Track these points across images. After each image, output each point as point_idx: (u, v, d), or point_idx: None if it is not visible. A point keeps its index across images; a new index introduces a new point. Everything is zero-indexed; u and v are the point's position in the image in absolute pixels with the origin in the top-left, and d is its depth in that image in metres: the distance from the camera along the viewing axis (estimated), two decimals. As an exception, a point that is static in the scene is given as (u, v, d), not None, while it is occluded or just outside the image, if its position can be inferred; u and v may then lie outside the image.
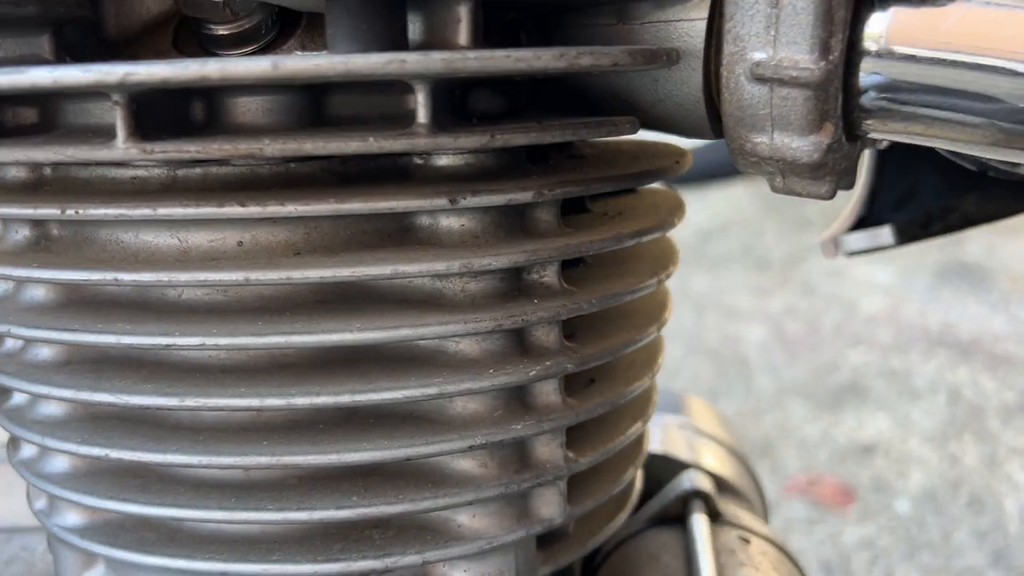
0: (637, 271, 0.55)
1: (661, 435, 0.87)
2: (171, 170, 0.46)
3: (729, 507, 0.74)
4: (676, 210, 0.58)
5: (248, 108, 0.44)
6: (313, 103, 0.45)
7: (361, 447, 0.47)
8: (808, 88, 0.41)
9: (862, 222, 0.68)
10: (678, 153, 0.55)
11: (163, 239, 0.47)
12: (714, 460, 0.85)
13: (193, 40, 0.50)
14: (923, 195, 0.66)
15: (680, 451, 0.84)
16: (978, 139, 0.43)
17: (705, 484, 0.74)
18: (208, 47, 0.49)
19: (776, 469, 2.57)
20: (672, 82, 0.46)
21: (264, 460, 0.47)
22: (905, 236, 0.66)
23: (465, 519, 0.52)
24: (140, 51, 0.51)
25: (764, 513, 0.88)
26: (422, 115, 0.40)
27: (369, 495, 0.49)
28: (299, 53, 0.47)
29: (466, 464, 0.51)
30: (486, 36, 0.46)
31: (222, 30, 0.48)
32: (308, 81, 0.38)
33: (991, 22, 0.41)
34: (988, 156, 0.44)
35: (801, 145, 0.43)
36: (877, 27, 0.42)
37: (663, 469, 0.81)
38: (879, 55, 0.43)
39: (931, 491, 2.43)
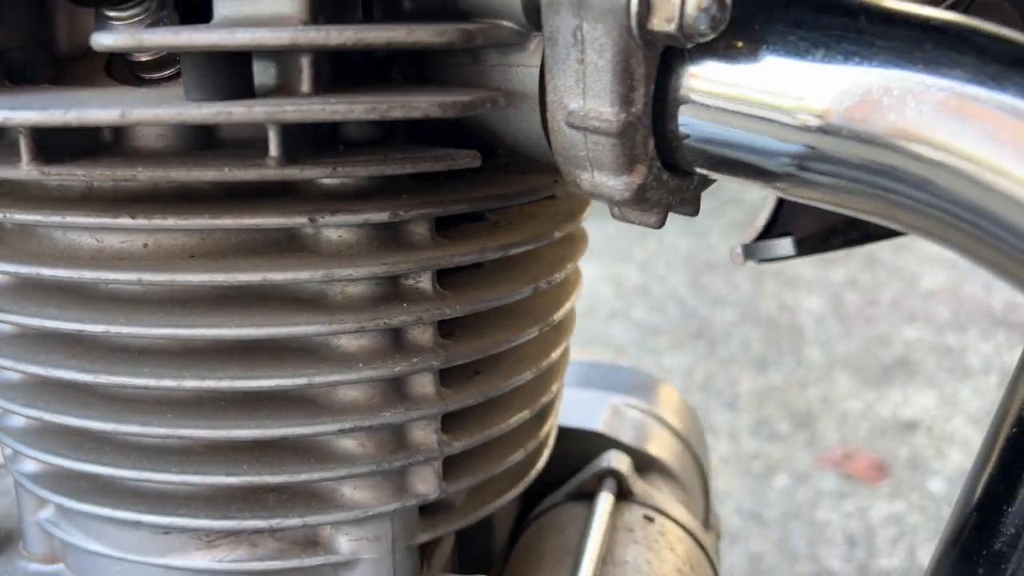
0: (521, 276, 0.61)
1: (608, 415, 0.92)
2: (88, 181, 0.53)
3: (643, 488, 0.80)
4: (567, 222, 0.63)
5: (146, 133, 0.51)
6: (205, 129, 0.52)
7: (245, 425, 0.55)
8: (612, 137, 0.46)
9: (769, 231, 0.72)
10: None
11: (84, 239, 0.54)
12: (657, 446, 0.90)
13: (124, 65, 0.57)
14: (826, 209, 0.70)
15: (621, 433, 0.89)
16: (776, 186, 0.47)
17: (622, 464, 0.80)
18: (135, 71, 0.57)
19: (813, 441, 2.59)
20: (519, 120, 0.51)
21: (164, 431, 0.55)
22: (805, 248, 0.70)
23: (348, 490, 0.59)
24: (80, 71, 0.58)
25: (704, 506, 0.93)
26: (272, 149, 0.47)
27: (258, 466, 0.57)
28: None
29: (347, 443, 0.58)
30: (360, 72, 0.53)
31: (144, 57, 0.55)
32: (151, 125, 0.45)
33: (781, 75, 0.45)
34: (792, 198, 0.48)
35: (615, 184, 0.48)
36: (688, 77, 0.47)
37: (599, 447, 0.87)
38: (691, 103, 0.47)
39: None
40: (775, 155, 0.46)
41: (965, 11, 0.57)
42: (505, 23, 0.48)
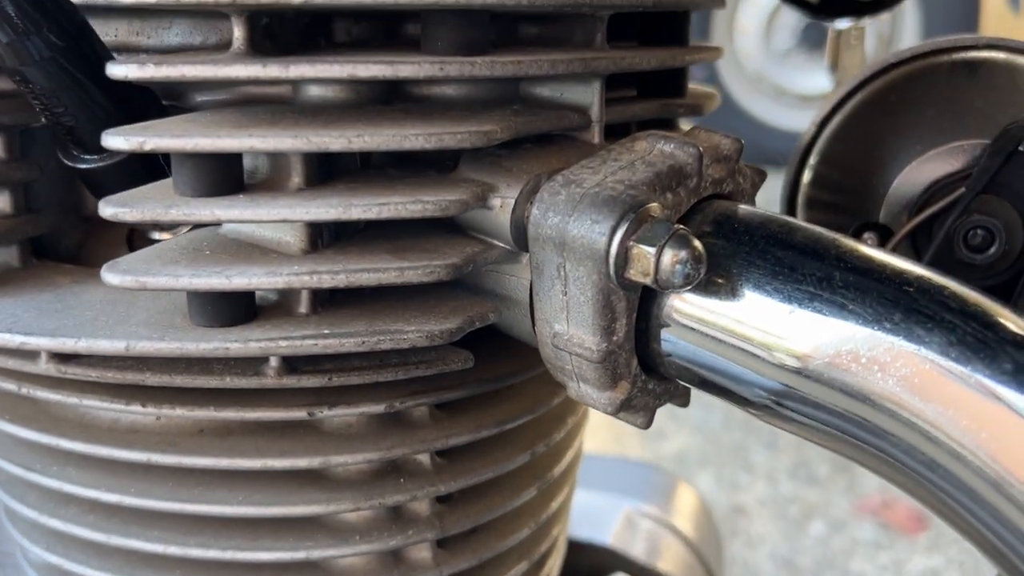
0: (519, 441, 0.63)
1: (620, 527, 0.94)
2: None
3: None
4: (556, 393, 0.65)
5: (158, 322, 0.54)
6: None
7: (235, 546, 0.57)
8: (594, 362, 0.48)
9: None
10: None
11: (101, 412, 0.58)
12: (669, 561, 0.91)
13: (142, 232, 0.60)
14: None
15: (632, 547, 0.90)
16: (753, 413, 0.49)
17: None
18: (151, 237, 0.59)
19: (852, 487, 2.57)
20: (511, 319, 0.53)
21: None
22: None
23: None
24: (106, 235, 0.62)
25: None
26: (272, 360, 0.49)
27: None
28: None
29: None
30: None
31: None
32: (154, 356, 0.48)
33: (758, 314, 0.46)
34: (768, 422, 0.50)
35: (600, 398, 0.50)
36: (669, 305, 0.48)
37: (608, 563, 0.88)
38: (673, 325, 0.49)
39: (1010, 528, 2.37)
40: (752, 386, 0.47)
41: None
42: (497, 243, 0.50)
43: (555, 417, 0.67)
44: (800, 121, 4.66)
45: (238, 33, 0.44)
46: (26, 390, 0.56)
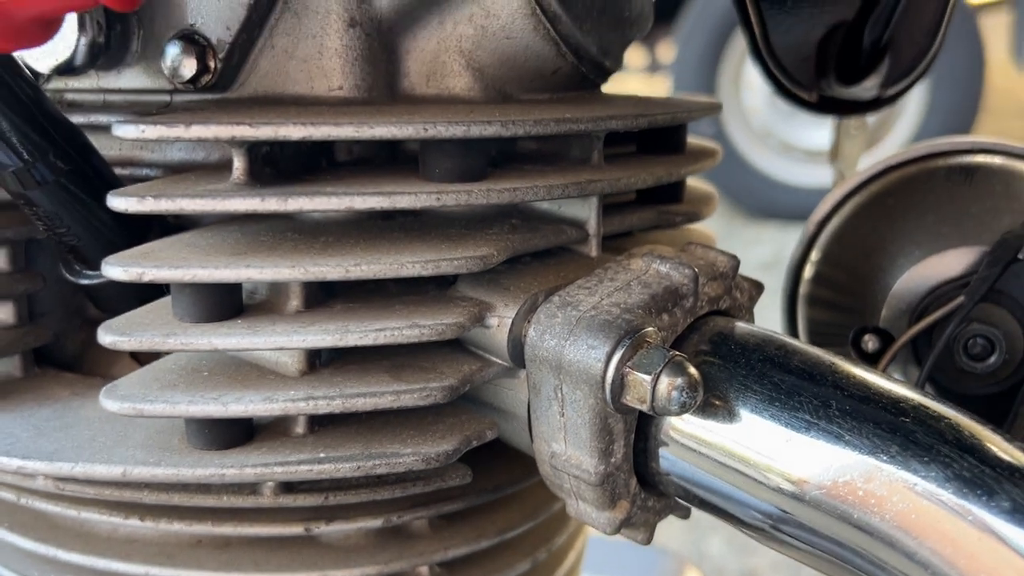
0: (518, 548, 0.62)
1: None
2: (105, 468, 0.56)
3: None
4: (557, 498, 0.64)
5: (157, 434, 0.54)
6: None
7: None
8: (592, 484, 0.48)
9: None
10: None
11: (99, 520, 0.57)
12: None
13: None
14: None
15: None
16: (750, 535, 0.48)
17: None
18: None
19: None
20: (513, 432, 0.53)
21: None
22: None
23: None
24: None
25: None
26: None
27: None
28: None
29: None
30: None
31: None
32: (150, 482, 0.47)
33: (755, 438, 0.46)
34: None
35: (599, 518, 0.49)
36: (668, 425, 0.48)
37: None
38: (672, 444, 0.48)
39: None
40: (749, 509, 0.47)
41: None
42: (495, 360, 0.50)
43: (557, 520, 0.66)
44: (806, 176, 4.68)
45: (238, 163, 0.45)
46: (25, 501, 0.56)
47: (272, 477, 0.46)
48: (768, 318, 0.58)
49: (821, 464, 0.44)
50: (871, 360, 0.64)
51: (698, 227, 0.70)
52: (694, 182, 0.68)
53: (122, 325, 0.46)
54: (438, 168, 0.47)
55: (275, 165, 0.47)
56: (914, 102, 4.40)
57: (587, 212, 0.53)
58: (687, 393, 0.44)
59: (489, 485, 0.58)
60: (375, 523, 0.54)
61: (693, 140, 0.70)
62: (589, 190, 0.49)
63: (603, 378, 0.45)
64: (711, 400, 0.47)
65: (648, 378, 0.44)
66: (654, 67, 6.01)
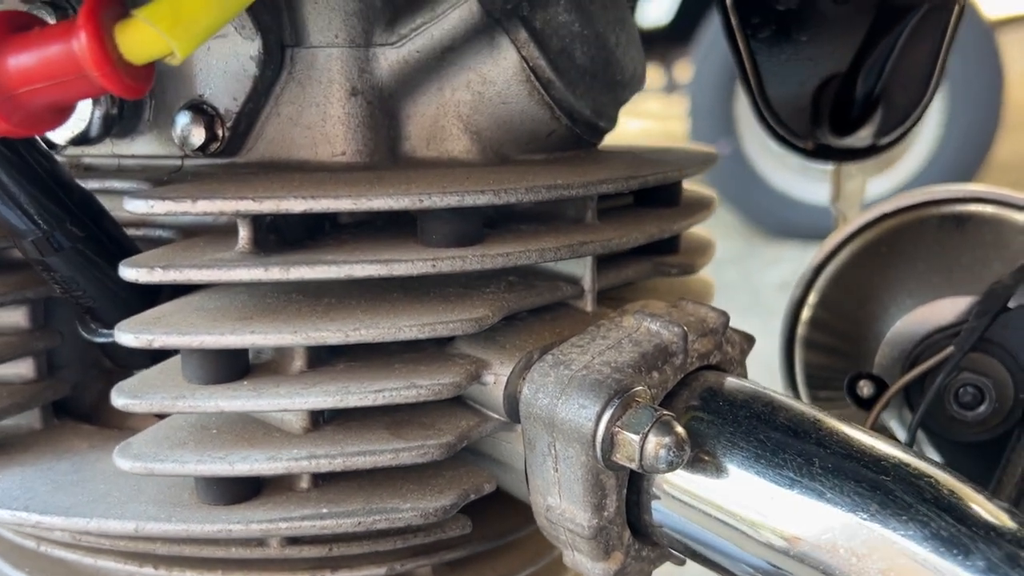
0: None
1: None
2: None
3: None
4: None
5: (170, 485, 0.56)
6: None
7: None
8: (586, 538, 0.49)
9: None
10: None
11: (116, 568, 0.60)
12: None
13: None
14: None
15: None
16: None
17: None
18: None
19: None
20: (512, 483, 0.55)
21: None
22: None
23: None
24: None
25: None
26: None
27: None
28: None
29: None
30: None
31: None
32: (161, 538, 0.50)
33: (743, 492, 0.47)
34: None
35: (593, 568, 0.51)
36: (660, 479, 0.50)
37: None
38: (664, 498, 0.50)
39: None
40: (740, 562, 0.48)
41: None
42: (492, 415, 0.52)
43: (557, 566, 0.67)
44: (826, 195, 4.67)
45: (243, 233, 0.47)
46: (45, 548, 0.58)
47: (277, 533, 0.48)
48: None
49: (805, 521, 0.45)
50: (866, 405, 0.65)
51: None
52: (697, 228, 0.70)
53: (134, 387, 0.48)
54: (435, 234, 0.49)
55: (279, 232, 0.49)
56: (933, 119, 4.39)
57: (582, 269, 0.55)
58: (674, 452, 0.45)
59: (491, 533, 0.59)
60: (379, 571, 0.55)
61: (691, 188, 0.72)
62: (581, 252, 0.51)
63: (593, 437, 0.46)
64: (700, 455, 0.49)
65: (636, 438, 0.45)
66: (671, 87, 6.03)
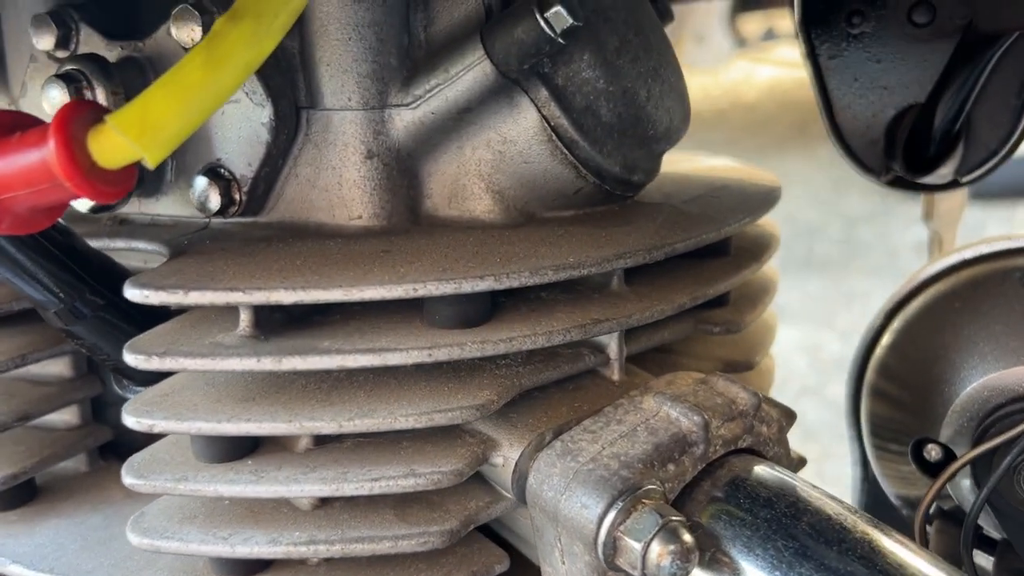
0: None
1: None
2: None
3: None
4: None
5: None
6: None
7: None
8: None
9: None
10: None
11: None
12: None
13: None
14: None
15: None
16: None
17: None
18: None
19: None
20: (534, 555, 0.53)
21: None
22: None
23: None
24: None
25: None
26: None
27: None
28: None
29: None
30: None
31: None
32: None
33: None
34: None
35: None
36: (676, 572, 0.47)
37: None
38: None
39: None
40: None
41: None
42: (505, 494, 0.50)
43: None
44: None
45: (243, 317, 0.46)
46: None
47: (280, 601, 0.48)
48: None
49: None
50: (931, 471, 0.60)
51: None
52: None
53: (142, 465, 0.48)
54: (438, 315, 0.47)
55: (286, 311, 0.48)
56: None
57: (608, 337, 0.52)
58: (678, 564, 0.42)
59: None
60: (399, 632, 0.55)
61: (765, 222, 0.67)
62: (594, 332, 0.48)
63: (595, 541, 0.44)
64: (718, 556, 0.46)
65: (639, 546, 0.43)
66: (770, 36, 5.79)
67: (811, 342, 3.54)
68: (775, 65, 6.63)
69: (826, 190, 5.01)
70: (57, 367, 0.59)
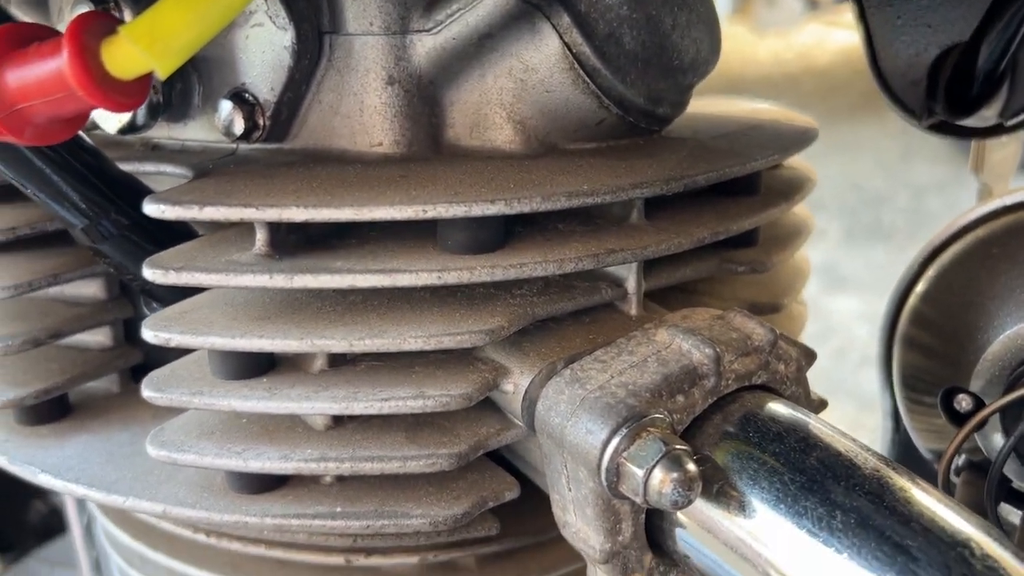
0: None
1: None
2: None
3: None
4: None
5: (224, 458, 0.59)
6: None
7: None
8: (599, 562, 0.47)
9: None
10: None
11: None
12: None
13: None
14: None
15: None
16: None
17: None
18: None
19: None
20: (544, 484, 0.53)
21: None
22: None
23: None
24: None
25: None
26: (304, 519, 0.52)
27: None
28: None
29: None
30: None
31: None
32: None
33: (759, 530, 0.44)
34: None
35: (614, 589, 0.49)
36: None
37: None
38: (688, 528, 0.47)
39: None
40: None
41: None
42: (517, 422, 0.50)
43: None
44: None
45: (259, 235, 0.47)
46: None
47: (289, 528, 0.49)
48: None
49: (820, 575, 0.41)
50: (960, 422, 0.59)
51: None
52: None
53: (161, 379, 0.49)
54: (449, 240, 0.47)
55: (303, 232, 0.49)
56: None
57: (627, 270, 0.52)
58: (679, 491, 0.42)
59: (531, 528, 0.58)
60: (411, 560, 0.56)
61: (794, 160, 0.65)
62: (607, 262, 0.47)
63: (599, 466, 0.44)
64: (727, 488, 0.45)
65: (641, 472, 0.42)
66: None
67: (874, 311, 3.47)
68: (849, 29, 6.45)
69: (895, 159, 4.89)
70: (90, 289, 0.61)
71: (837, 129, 5.06)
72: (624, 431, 0.43)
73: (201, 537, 0.58)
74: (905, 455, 0.70)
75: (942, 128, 0.64)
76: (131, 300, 0.62)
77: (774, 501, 0.43)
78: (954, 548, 0.39)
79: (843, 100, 5.86)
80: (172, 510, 0.50)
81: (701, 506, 0.46)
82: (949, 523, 0.40)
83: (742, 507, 0.44)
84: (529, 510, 0.59)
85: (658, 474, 0.42)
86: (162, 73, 0.39)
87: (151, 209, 0.46)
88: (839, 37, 6.81)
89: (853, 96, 5.92)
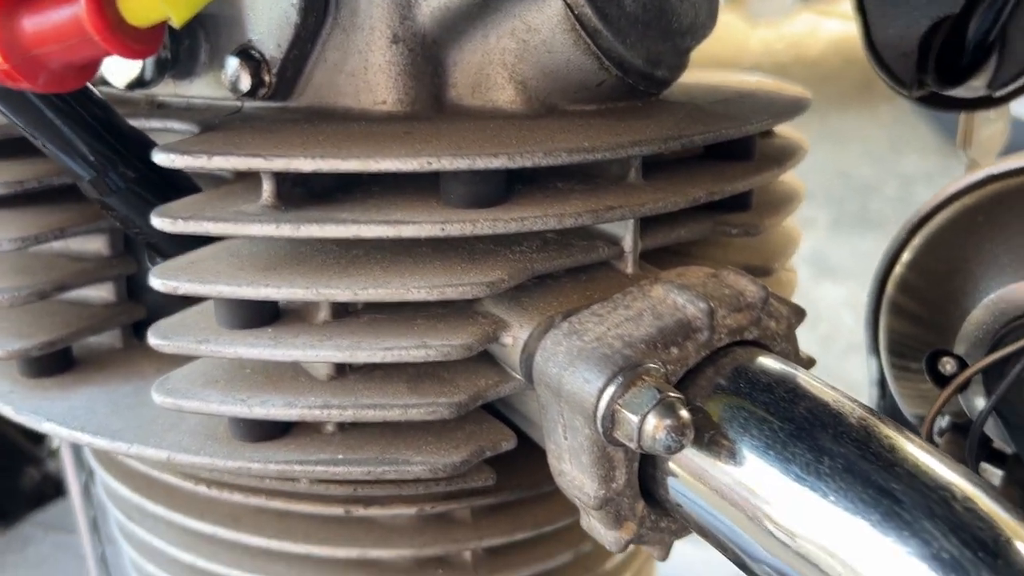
0: (563, 539, 0.64)
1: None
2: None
3: None
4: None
5: (226, 411, 0.60)
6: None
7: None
8: (593, 508, 0.49)
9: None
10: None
11: (186, 475, 0.64)
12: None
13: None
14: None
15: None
16: (745, 568, 0.48)
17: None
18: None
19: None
20: (540, 437, 0.55)
21: None
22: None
23: None
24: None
25: None
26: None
27: None
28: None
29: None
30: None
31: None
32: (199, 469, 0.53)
33: (749, 478, 0.45)
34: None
35: (606, 535, 0.51)
36: (675, 458, 0.48)
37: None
38: (680, 477, 0.49)
39: None
40: (744, 550, 0.47)
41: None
42: (515, 375, 0.52)
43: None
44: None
45: (266, 187, 0.48)
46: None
47: (292, 474, 0.50)
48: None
49: (807, 521, 0.43)
50: (944, 384, 0.60)
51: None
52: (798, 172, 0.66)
53: (167, 328, 0.50)
54: (452, 194, 0.48)
55: (307, 185, 0.50)
56: None
57: (623, 229, 0.53)
58: (672, 437, 0.44)
59: (527, 481, 0.60)
60: (409, 511, 0.57)
61: (784, 133, 0.67)
62: (606, 218, 0.49)
63: (595, 413, 0.45)
64: (717, 437, 0.47)
65: (635, 419, 0.44)
66: None
67: (860, 299, 3.50)
68: (841, 19, 6.47)
69: (884, 149, 4.91)
70: (95, 244, 0.62)
71: (827, 119, 5.08)
72: (620, 379, 0.45)
73: (202, 489, 0.59)
74: (890, 421, 0.72)
75: (931, 100, 0.66)
76: (135, 256, 0.63)
77: (763, 448, 0.45)
78: (936, 491, 0.41)
79: (834, 90, 5.88)
80: (176, 456, 0.51)
81: (692, 454, 0.47)
82: (932, 469, 0.42)
83: (732, 454, 0.46)
84: (524, 466, 0.60)
85: (652, 420, 0.44)
86: (176, 22, 0.40)
87: (160, 158, 0.47)
88: (831, 27, 6.82)
89: (844, 86, 5.94)
